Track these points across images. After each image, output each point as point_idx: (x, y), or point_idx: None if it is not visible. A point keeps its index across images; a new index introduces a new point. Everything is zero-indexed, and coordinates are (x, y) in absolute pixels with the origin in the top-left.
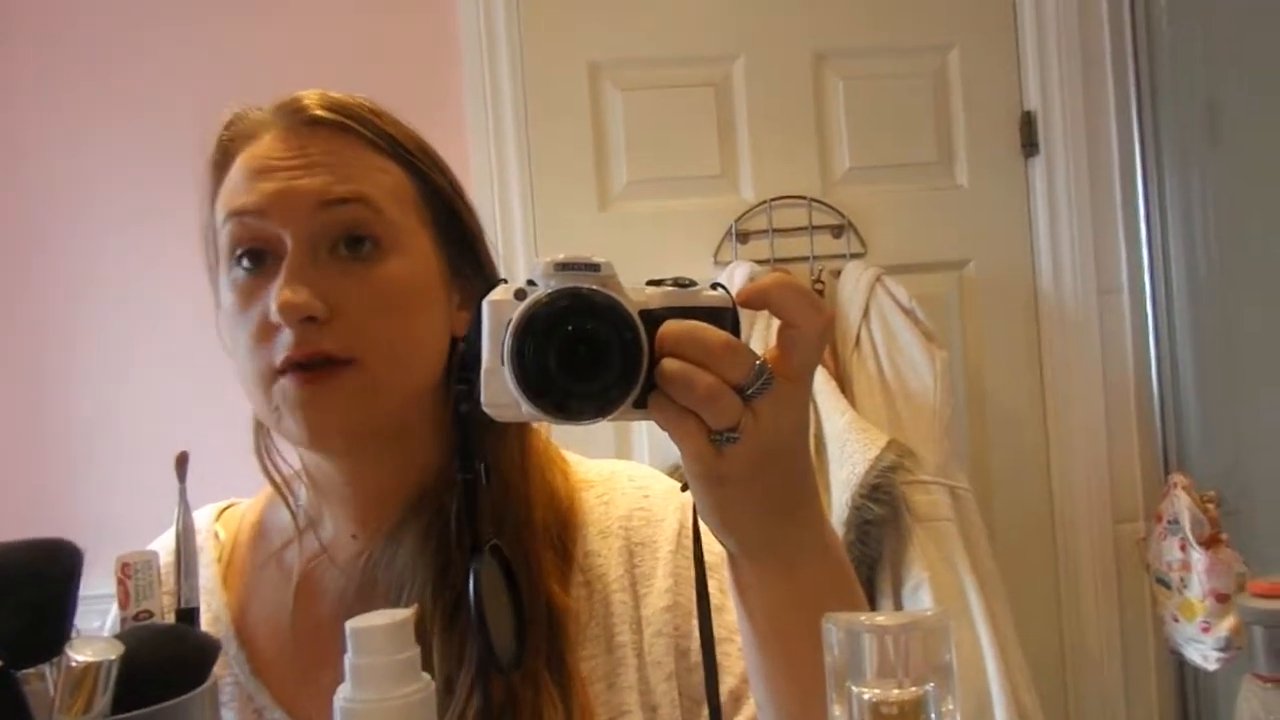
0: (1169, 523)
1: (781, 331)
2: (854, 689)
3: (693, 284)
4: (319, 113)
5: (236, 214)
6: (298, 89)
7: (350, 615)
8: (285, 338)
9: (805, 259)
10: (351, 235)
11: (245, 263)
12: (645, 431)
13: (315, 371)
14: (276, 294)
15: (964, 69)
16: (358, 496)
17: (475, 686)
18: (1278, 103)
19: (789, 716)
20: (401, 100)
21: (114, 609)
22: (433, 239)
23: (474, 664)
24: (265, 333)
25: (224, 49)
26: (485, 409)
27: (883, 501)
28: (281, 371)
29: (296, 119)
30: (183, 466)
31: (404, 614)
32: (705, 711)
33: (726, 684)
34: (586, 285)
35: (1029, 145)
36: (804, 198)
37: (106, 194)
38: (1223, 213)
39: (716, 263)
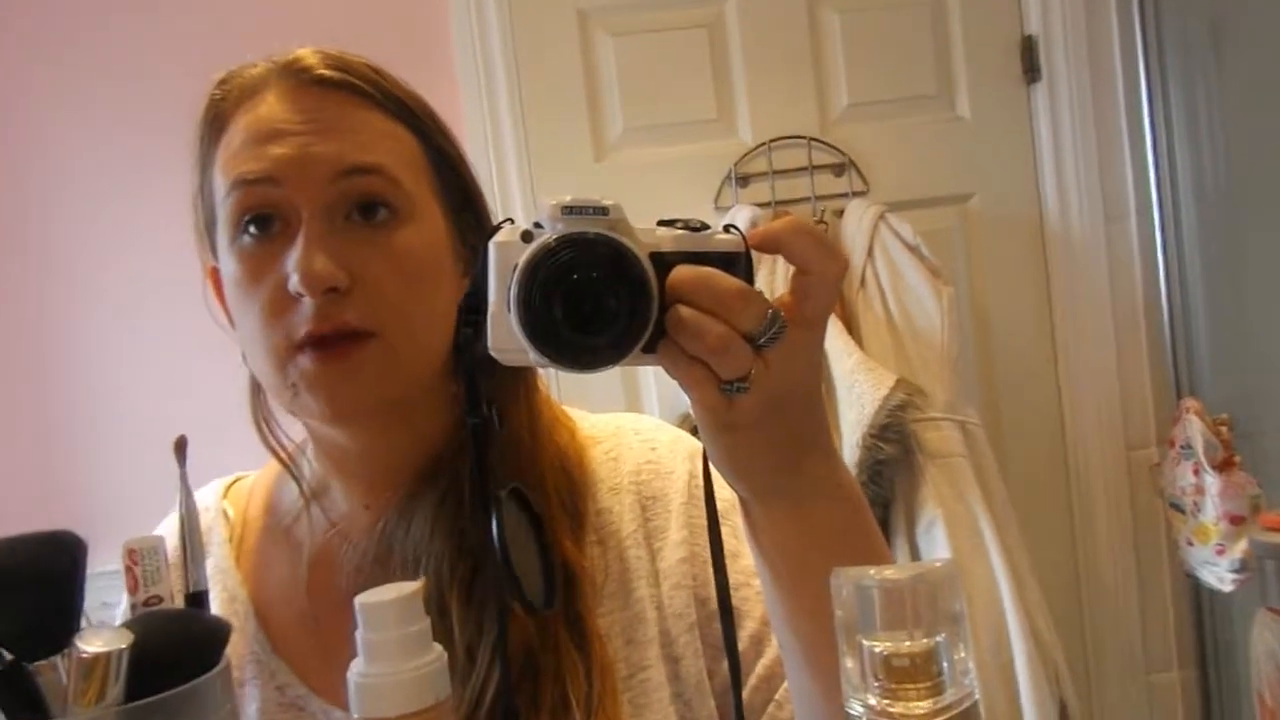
0: (1182, 447)
1: (796, 278)
2: (864, 642)
3: (705, 227)
4: (325, 72)
5: (247, 180)
6: (284, 44)
7: (367, 587)
8: (305, 310)
9: (807, 200)
10: (367, 203)
11: (252, 230)
12: (654, 381)
13: (336, 348)
14: (297, 264)
15: None
16: (370, 468)
17: (496, 655)
18: None
19: (812, 654)
20: (390, 53)
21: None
22: (441, 207)
23: (495, 631)
24: (281, 305)
25: (205, 6)
26: (492, 353)
27: (893, 441)
28: (300, 347)
29: (301, 79)
30: (182, 451)
31: (412, 587)
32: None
33: (746, 628)
34: (594, 230)
35: (1030, 71)
36: (803, 137)
37: (94, 172)
38: (1230, 131)
39: (717, 208)
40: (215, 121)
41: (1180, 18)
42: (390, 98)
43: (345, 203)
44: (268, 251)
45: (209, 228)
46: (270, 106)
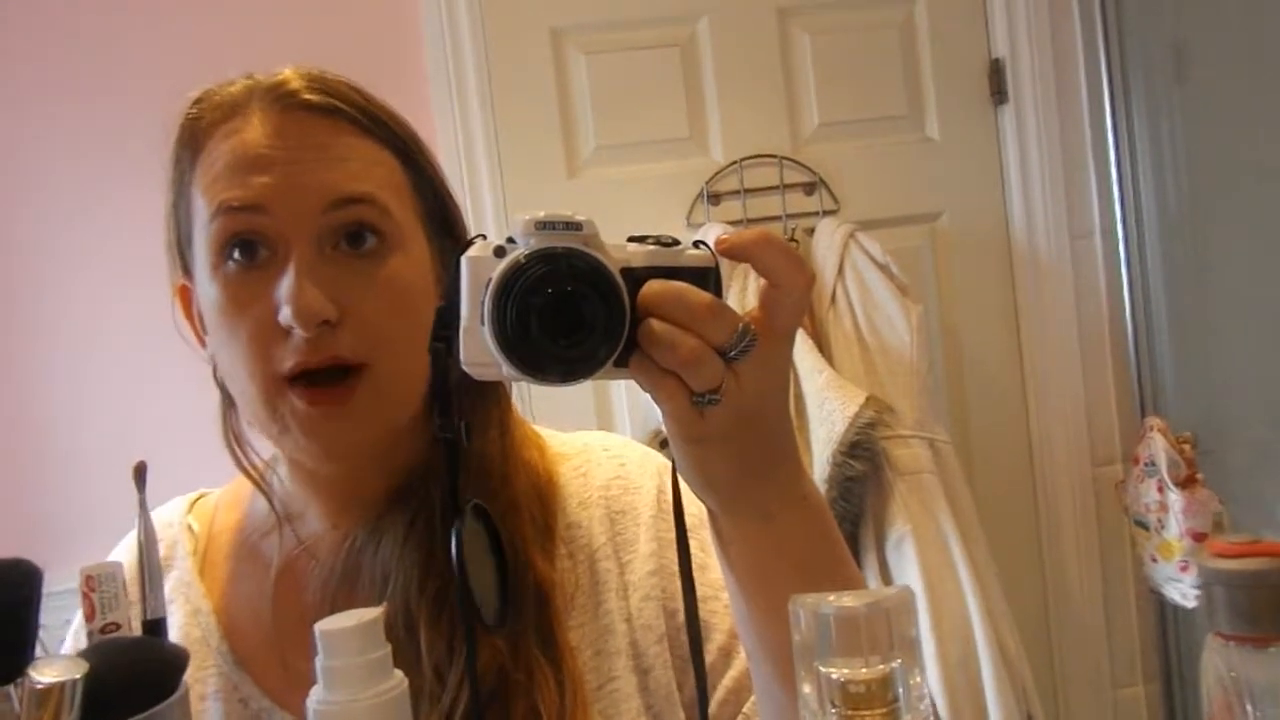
0: (1146, 465)
1: (765, 291)
2: (821, 669)
3: (675, 243)
4: (310, 97)
5: (233, 207)
6: (256, 61)
7: (335, 602)
8: (296, 342)
9: (778, 218)
10: (355, 232)
11: (237, 256)
12: (625, 397)
13: (327, 388)
14: (289, 297)
15: (931, 18)
16: (344, 491)
17: (465, 678)
18: (1243, 39)
19: (781, 665)
20: (363, 71)
21: (78, 616)
22: (424, 231)
23: (463, 653)
24: (269, 336)
25: (174, 20)
26: (464, 367)
27: (863, 458)
28: (290, 380)
29: (286, 102)
30: (141, 476)
31: (373, 613)
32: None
33: (715, 641)
34: (565, 245)
35: (998, 93)
36: (774, 156)
37: (57, 189)
38: (1192, 152)
39: (689, 226)
40: (192, 140)
41: (1144, 41)
42: (376, 122)
43: (334, 233)
44: (253, 279)
45: (183, 246)
46: (255, 131)
